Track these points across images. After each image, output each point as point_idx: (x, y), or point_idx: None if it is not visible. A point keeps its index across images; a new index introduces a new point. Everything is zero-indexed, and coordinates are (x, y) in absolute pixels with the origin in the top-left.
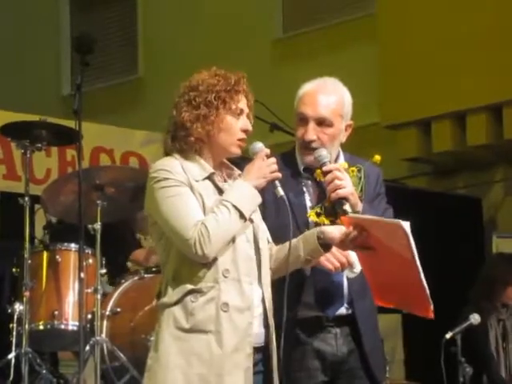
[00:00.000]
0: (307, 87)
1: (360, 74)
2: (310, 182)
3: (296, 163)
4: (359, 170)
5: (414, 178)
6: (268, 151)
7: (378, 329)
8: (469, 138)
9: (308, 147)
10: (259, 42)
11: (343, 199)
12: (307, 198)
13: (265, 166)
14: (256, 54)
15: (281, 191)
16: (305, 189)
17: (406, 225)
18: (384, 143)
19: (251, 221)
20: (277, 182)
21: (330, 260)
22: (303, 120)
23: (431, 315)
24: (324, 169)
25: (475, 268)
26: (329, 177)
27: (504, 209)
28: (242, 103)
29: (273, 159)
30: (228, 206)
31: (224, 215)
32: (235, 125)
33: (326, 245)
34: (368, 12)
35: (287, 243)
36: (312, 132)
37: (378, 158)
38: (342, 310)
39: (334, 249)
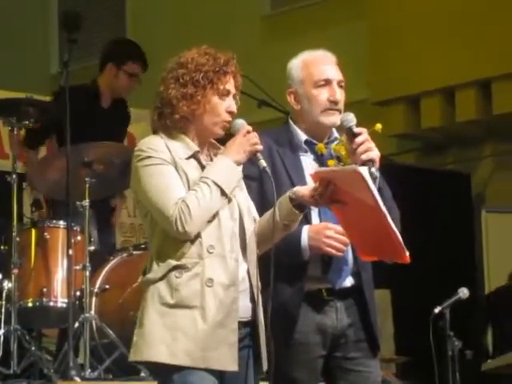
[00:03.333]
0: (313, 54)
1: (348, 51)
2: (309, 154)
3: (292, 138)
4: None
5: (402, 155)
6: (250, 128)
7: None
8: (457, 114)
9: (333, 108)
10: (248, 19)
11: (371, 162)
12: (306, 171)
13: (245, 141)
14: (244, 30)
15: (263, 163)
16: (303, 163)
17: (363, 169)
18: (372, 119)
19: (231, 197)
20: (259, 155)
21: (333, 245)
22: (327, 82)
23: (407, 260)
24: (356, 130)
25: (464, 242)
26: (360, 138)
27: (492, 184)
28: (230, 84)
29: (254, 134)
30: (208, 183)
31: (204, 192)
32: (220, 106)
33: (299, 205)
34: None
35: (267, 212)
36: (339, 92)
37: (379, 126)
38: (346, 282)
39: (331, 231)
